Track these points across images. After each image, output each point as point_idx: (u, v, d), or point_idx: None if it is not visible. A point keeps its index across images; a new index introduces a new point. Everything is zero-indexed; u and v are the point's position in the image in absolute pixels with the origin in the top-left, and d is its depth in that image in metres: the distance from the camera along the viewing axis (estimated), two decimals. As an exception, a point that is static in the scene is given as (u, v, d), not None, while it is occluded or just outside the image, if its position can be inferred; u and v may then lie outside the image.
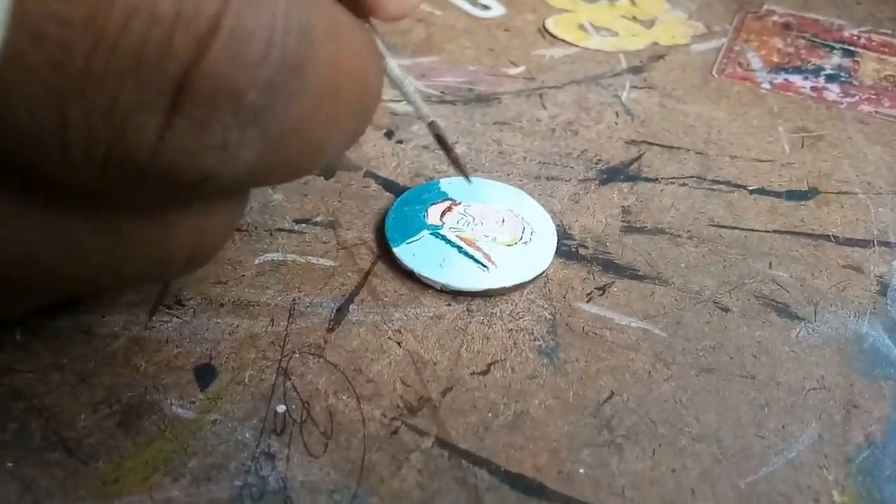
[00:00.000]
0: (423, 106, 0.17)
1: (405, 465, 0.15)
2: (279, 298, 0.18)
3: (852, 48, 0.29)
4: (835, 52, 0.29)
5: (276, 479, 0.15)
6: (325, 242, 0.20)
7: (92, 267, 0.12)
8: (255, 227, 0.20)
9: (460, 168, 0.18)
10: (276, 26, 0.10)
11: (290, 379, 0.16)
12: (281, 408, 0.16)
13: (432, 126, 0.17)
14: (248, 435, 0.15)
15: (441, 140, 0.17)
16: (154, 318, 0.17)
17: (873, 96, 0.27)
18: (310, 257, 0.19)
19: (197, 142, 0.10)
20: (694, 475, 0.15)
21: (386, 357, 0.17)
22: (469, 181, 0.18)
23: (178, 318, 0.17)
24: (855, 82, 0.27)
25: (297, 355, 0.17)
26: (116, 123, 0.09)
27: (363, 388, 0.16)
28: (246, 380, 0.16)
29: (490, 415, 0.16)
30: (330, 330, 0.17)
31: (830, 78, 0.27)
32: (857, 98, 0.27)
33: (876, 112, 0.26)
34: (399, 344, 0.17)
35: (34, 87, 0.09)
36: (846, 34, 0.30)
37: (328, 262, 0.19)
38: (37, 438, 0.15)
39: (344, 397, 0.16)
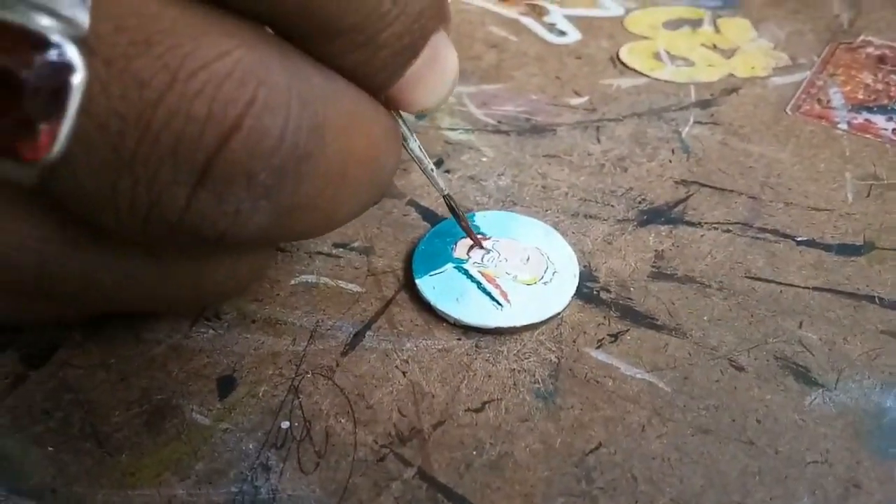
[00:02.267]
0: (439, 181, 0.19)
1: (384, 491, 0.16)
2: (304, 319, 0.20)
3: (953, 87, 0.27)
4: (931, 90, 0.27)
5: (267, 489, 0.16)
6: (356, 268, 0.21)
7: (141, 293, 0.15)
8: (297, 249, 0.22)
9: (472, 236, 0.21)
10: (288, 125, 0.12)
11: (298, 397, 0.18)
12: (285, 424, 0.17)
13: (447, 198, 0.20)
14: (251, 446, 0.17)
15: (454, 211, 0.20)
16: (193, 328, 0.19)
17: (965, 143, 0.25)
18: (340, 282, 0.21)
19: (215, 209, 0.12)
20: (664, 537, 0.15)
21: (389, 385, 0.18)
22: (483, 248, 0.21)
23: (213, 330, 0.19)
24: (947, 126, 0.25)
25: (309, 375, 0.18)
26: (154, 193, 0.12)
27: (362, 414, 0.18)
28: (260, 394, 0.18)
29: (474, 453, 0.17)
30: (343, 354, 0.19)
31: (919, 120, 0.26)
32: (945, 144, 0.25)
33: (964, 161, 0.24)
34: (404, 374, 0.18)
35: (95, 162, 0.11)
36: (950, 70, 0.28)
37: (356, 288, 0.21)
38: (76, 429, 0.17)
39: (343, 420, 0.17)
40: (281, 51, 0.13)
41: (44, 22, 0.10)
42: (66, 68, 0.11)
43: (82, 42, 0.11)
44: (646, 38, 0.30)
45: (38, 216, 0.13)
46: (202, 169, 0.12)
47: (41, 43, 0.10)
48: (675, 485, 0.16)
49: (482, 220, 0.22)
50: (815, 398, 0.18)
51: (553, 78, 0.29)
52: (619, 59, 0.29)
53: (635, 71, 0.29)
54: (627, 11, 0.32)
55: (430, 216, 0.23)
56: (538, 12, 0.33)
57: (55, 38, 0.10)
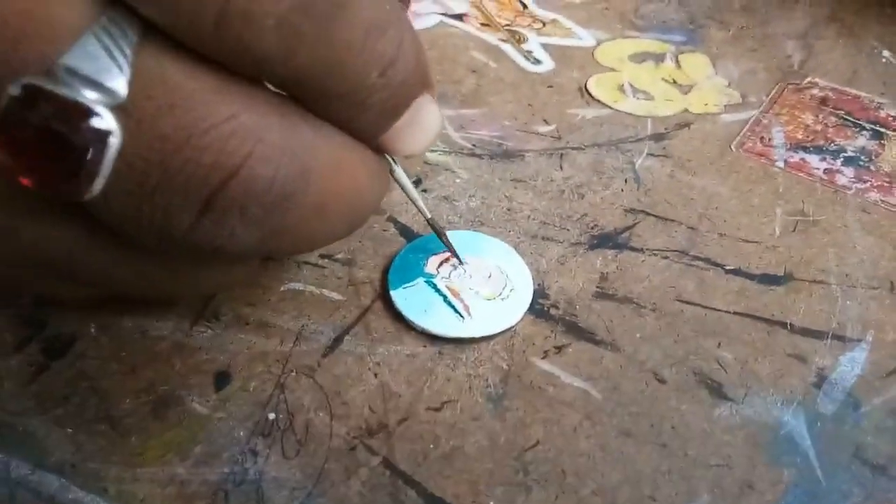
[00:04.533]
0: (424, 207, 0.23)
1: (353, 476, 0.19)
2: (291, 323, 0.23)
3: (883, 129, 0.30)
4: (863, 132, 0.30)
5: (254, 471, 0.19)
6: (339, 278, 0.24)
7: (149, 285, 0.19)
8: (287, 258, 0.24)
9: (455, 255, 0.24)
10: (278, 173, 0.15)
11: (283, 392, 0.21)
12: (272, 415, 0.20)
13: (430, 222, 0.23)
14: (242, 433, 0.20)
15: (438, 233, 0.23)
16: (194, 328, 0.22)
17: (886, 184, 0.28)
18: (324, 290, 0.24)
19: (213, 231, 0.15)
20: (584, 522, 0.18)
21: (362, 385, 0.21)
22: (462, 262, 0.24)
23: (212, 329, 0.22)
24: (872, 167, 0.28)
25: (293, 374, 0.21)
26: (168, 217, 0.15)
27: (338, 409, 0.21)
28: (251, 388, 0.21)
29: (431, 446, 0.20)
30: (324, 356, 0.22)
31: (848, 161, 0.29)
32: (868, 184, 0.28)
33: (882, 201, 0.27)
34: (376, 375, 0.21)
35: (123, 192, 0.14)
36: (882, 114, 0.31)
37: (337, 296, 0.23)
38: (91, 413, 0.20)
39: (321, 414, 0.20)
40: (278, 109, 0.16)
41: (90, 95, 0.13)
42: (106, 133, 0.14)
43: (120, 107, 0.14)
44: (612, 69, 0.33)
45: (71, 221, 0.16)
46: (205, 202, 0.15)
47: (88, 113, 0.13)
48: (597, 479, 0.19)
49: (452, 238, 0.25)
50: (724, 410, 0.21)
51: (525, 105, 0.31)
52: (586, 89, 0.32)
53: (600, 102, 0.32)
54: (598, 42, 0.35)
55: (407, 232, 0.26)
56: (518, 39, 0.35)
57: (98, 109, 0.13)
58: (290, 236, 0.17)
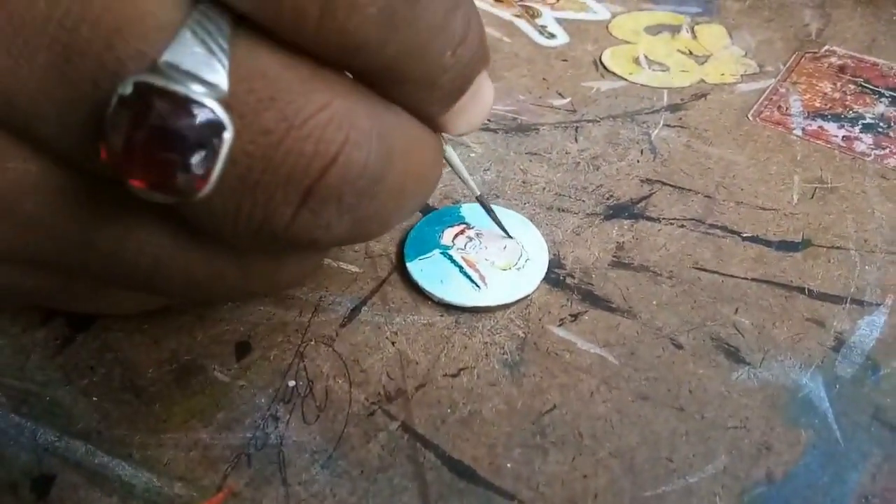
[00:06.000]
0: (474, 185, 0.23)
1: (373, 440, 0.19)
2: (310, 295, 0.23)
3: (904, 97, 0.30)
4: (882, 99, 0.30)
5: (275, 436, 0.19)
6: (356, 251, 0.24)
7: (225, 287, 0.18)
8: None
9: (503, 230, 0.24)
10: (370, 155, 0.15)
11: (303, 361, 0.21)
12: (291, 383, 0.21)
13: (480, 199, 0.23)
14: (262, 400, 0.20)
15: (487, 210, 0.24)
16: (214, 300, 0.23)
17: (906, 151, 0.27)
18: (342, 263, 0.24)
19: (312, 223, 0.15)
20: (601, 483, 0.19)
21: (380, 353, 0.21)
22: (511, 237, 0.24)
23: (232, 301, 0.23)
24: (892, 134, 0.28)
25: (312, 343, 0.22)
26: (268, 212, 0.15)
27: (356, 376, 0.21)
28: (271, 357, 0.21)
29: (449, 410, 0.20)
30: (342, 325, 0.22)
31: (867, 128, 0.28)
32: (887, 151, 0.27)
33: (902, 168, 0.27)
34: (393, 343, 0.22)
35: (225, 189, 0.14)
36: (903, 81, 0.31)
37: (355, 269, 0.24)
38: (116, 382, 0.21)
39: (340, 381, 0.21)
40: (363, 94, 0.15)
41: (197, 89, 0.13)
42: (219, 125, 0.13)
43: (223, 101, 0.13)
44: (628, 42, 0.33)
45: (157, 226, 0.16)
46: (305, 192, 0.15)
47: (198, 105, 0.13)
48: (614, 441, 0.19)
49: (468, 211, 0.25)
50: (742, 374, 0.21)
51: (540, 80, 0.31)
52: (601, 62, 0.32)
53: (615, 74, 0.32)
54: (613, 16, 0.35)
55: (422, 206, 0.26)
56: (531, 14, 0.35)
57: (208, 101, 0.13)
58: (375, 221, 0.17)
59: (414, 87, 0.16)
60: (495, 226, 0.24)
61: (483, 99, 0.18)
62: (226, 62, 0.13)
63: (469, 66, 0.17)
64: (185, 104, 0.13)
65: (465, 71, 0.17)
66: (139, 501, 0.18)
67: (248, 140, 0.14)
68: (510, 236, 0.24)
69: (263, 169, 0.14)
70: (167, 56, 0.13)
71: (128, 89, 0.12)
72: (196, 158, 0.13)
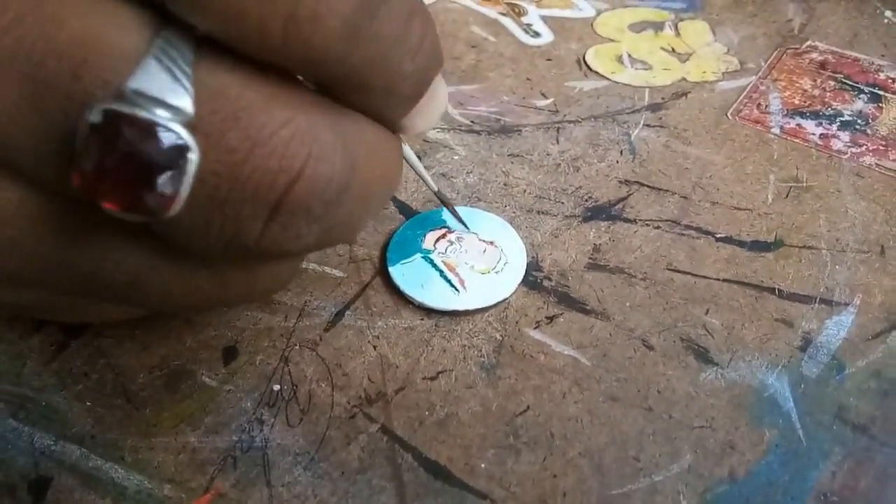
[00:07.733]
0: (431, 181, 0.24)
1: (353, 442, 0.20)
2: (295, 300, 0.24)
3: (882, 92, 0.30)
4: (861, 95, 0.30)
5: (260, 439, 0.20)
6: (340, 255, 0.25)
7: (202, 299, 0.19)
8: (290, 237, 0.25)
9: (462, 223, 0.25)
10: (335, 167, 0.15)
11: (288, 365, 0.22)
12: (276, 387, 0.22)
13: (438, 195, 0.24)
14: (248, 404, 0.21)
15: (445, 204, 0.25)
16: (203, 305, 0.23)
17: (881, 147, 0.28)
18: (325, 267, 0.25)
19: (281, 235, 0.16)
20: (570, 482, 0.19)
21: (362, 357, 0.22)
22: (469, 230, 0.25)
23: (215, 310, 0.23)
24: (868, 131, 0.29)
25: (297, 347, 0.22)
26: (238, 227, 0.15)
27: (339, 380, 0.22)
28: (257, 362, 0.22)
29: (427, 413, 0.21)
30: (326, 330, 0.23)
31: (844, 125, 0.29)
32: (863, 148, 0.28)
33: (877, 165, 0.27)
34: (375, 347, 0.22)
35: (194, 206, 0.15)
36: (882, 76, 0.31)
37: (339, 273, 0.24)
38: (109, 387, 0.21)
39: (323, 385, 0.22)
40: (323, 106, 0.16)
41: (162, 114, 0.13)
42: (184, 147, 0.14)
43: (188, 124, 0.14)
44: (612, 40, 0.34)
45: (133, 246, 0.17)
46: (273, 207, 0.15)
47: (164, 129, 0.13)
48: (584, 441, 0.20)
49: (448, 216, 0.26)
50: (709, 374, 0.22)
51: (524, 79, 0.32)
52: (584, 61, 0.33)
53: (598, 74, 0.32)
54: (598, 13, 0.35)
55: (405, 209, 0.27)
56: (517, 12, 0.36)
57: (173, 125, 0.14)
58: (342, 228, 0.17)
59: (375, 95, 0.17)
60: (476, 230, 0.25)
61: (438, 98, 0.19)
62: (189, 86, 0.14)
63: (426, 72, 0.17)
64: (152, 129, 0.13)
65: (422, 76, 0.17)
66: (131, 503, 0.19)
67: (214, 159, 0.14)
68: (468, 229, 0.25)
69: (231, 186, 0.15)
70: (133, 83, 0.13)
71: (97, 117, 0.13)
72: (163, 179, 0.14)
